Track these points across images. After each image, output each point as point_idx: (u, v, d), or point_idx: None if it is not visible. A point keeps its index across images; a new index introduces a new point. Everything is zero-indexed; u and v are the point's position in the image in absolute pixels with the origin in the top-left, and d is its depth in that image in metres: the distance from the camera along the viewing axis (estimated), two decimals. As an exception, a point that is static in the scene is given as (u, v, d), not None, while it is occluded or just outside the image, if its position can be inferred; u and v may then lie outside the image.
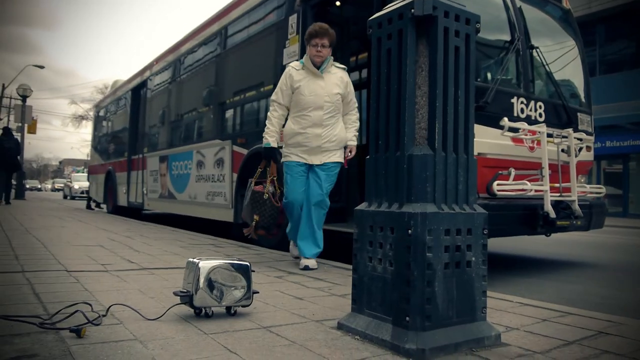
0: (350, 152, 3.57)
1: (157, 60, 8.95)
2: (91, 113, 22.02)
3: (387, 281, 1.69)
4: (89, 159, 16.58)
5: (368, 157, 1.87)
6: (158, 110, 8.75)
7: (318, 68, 3.47)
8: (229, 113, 6.35)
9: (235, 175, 5.58)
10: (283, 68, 4.96)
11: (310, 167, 3.50)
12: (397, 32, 1.73)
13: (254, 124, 5.66)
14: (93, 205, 12.99)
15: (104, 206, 12.08)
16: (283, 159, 3.56)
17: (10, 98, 31.38)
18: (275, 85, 5.10)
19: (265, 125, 3.57)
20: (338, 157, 3.53)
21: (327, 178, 3.49)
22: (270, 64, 5.24)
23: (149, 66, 9.36)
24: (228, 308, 1.98)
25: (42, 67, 28.87)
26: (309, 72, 3.48)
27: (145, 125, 9.32)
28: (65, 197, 27.81)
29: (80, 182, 27.15)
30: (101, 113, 13.28)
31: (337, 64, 3.61)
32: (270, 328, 1.83)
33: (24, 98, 17.55)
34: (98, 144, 13.14)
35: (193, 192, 6.82)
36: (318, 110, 3.42)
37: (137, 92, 10.02)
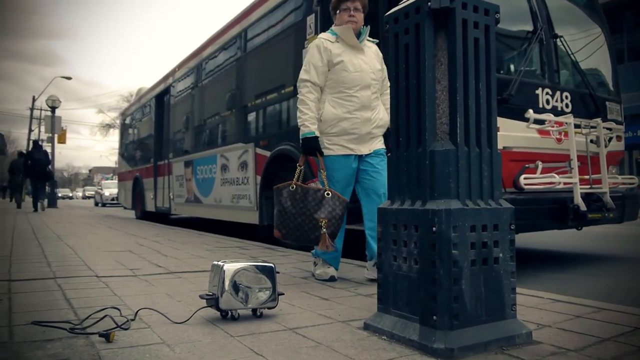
0: None
1: (179, 66, 9.08)
2: (118, 121, 22.56)
3: (413, 280, 1.67)
4: (117, 166, 16.99)
5: (389, 154, 1.85)
6: (182, 115, 8.87)
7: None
8: (251, 116, 6.40)
9: (259, 178, 5.61)
10: None
11: (358, 159, 2.98)
12: (414, 27, 1.71)
13: (276, 126, 5.68)
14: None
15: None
16: (325, 153, 2.93)
17: (41, 110, 32.32)
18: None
19: (299, 111, 2.93)
20: (382, 143, 3.05)
21: (385, 166, 2.87)
22: (290, 65, 5.25)
23: (171, 73, 9.50)
24: (254, 310, 1.99)
25: (69, 78, 29.75)
26: (346, 45, 2.94)
27: (169, 131, 9.45)
28: (96, 204, 28.30)
29: (111, 189, 27.57)
30: (127, 121, 13.52)
31: (369, 38, 3.10)
32: (296, 329, 1.82)
33: (53, 109, 18.09)
34: (125, 151, 13.37)
35: (218, 196, 6.88)
36: (365, 90, 2.91)
37: (160, 99, 10.17)
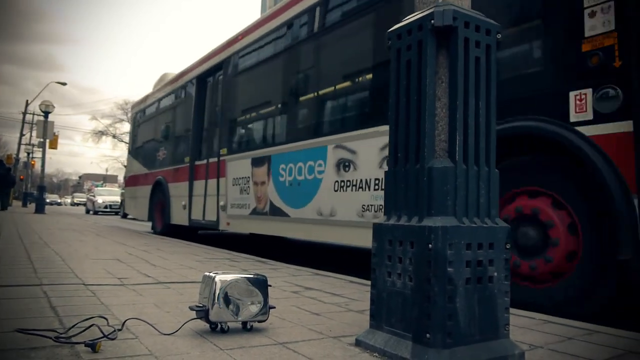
0: None
1: (244, 34, 6.96)
2: (111, 129, 22.36)
3: (407, 297, 1.65)
4: (107, 173, 16.88)
5: (387, 169, 1.84)
6: (249, 96, 6.84)
7: None
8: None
9: None
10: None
11: None
12: (416, 44, 1.71)
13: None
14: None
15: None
16: None
17: (34, 114, 32.14)
18: None
19: None
20: None
21: None
22: None
23: (231, 42, 7.35)
24: (244, 323, 1.95)
25: (64, 83, 29.65)
26: None
27: (224, 120, 7.27)
28: (88, 211, 27.44)
29: (104, 196, 26.92)
30: (144, 113, 11.23)
31: None
32: (286, 344, 1.79)
33: (46, 114, 17.95)
34: (140, 150, 11.16)
35: (327, 206, 4.75)
36: None
37: (203, 81, 8.19)
